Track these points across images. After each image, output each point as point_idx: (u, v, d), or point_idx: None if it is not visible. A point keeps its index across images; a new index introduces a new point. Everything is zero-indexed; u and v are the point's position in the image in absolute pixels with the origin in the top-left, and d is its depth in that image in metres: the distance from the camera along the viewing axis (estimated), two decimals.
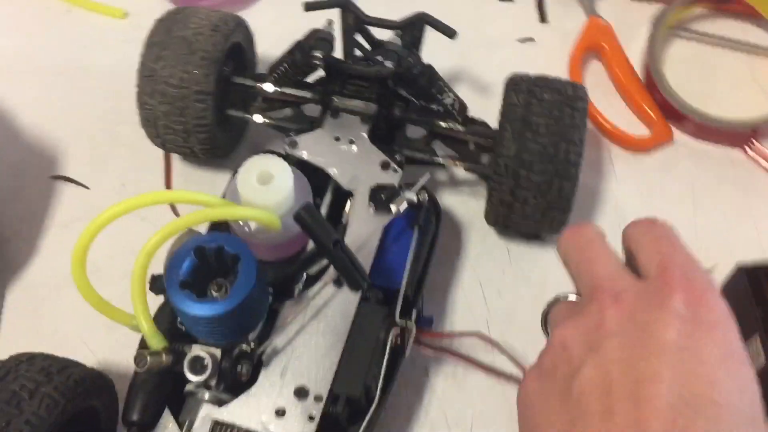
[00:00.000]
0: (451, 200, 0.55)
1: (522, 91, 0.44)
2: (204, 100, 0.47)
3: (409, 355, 0.42)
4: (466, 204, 0.55)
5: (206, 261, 0.37)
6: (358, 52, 0.50)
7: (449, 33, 0.48)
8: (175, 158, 0.57)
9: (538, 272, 0.52)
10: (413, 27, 0.49)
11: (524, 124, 0.43)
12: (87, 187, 0.56)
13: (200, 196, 0.39)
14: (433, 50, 0.52)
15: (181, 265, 0.36)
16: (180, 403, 0.40)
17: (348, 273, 0.36)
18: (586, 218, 0.54)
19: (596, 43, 0.61)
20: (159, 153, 0.55)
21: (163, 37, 0.48)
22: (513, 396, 0.29)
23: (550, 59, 0.62)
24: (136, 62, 0.49)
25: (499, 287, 0.52)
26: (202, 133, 0.49)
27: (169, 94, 0.47)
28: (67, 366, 0.40)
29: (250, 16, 0.55)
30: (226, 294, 0.36)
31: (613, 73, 0.59)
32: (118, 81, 0.53)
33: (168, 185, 0.55)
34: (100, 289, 0.37)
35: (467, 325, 0.48)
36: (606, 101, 0.59)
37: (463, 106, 0.48)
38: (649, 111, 0.57)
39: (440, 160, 0.48)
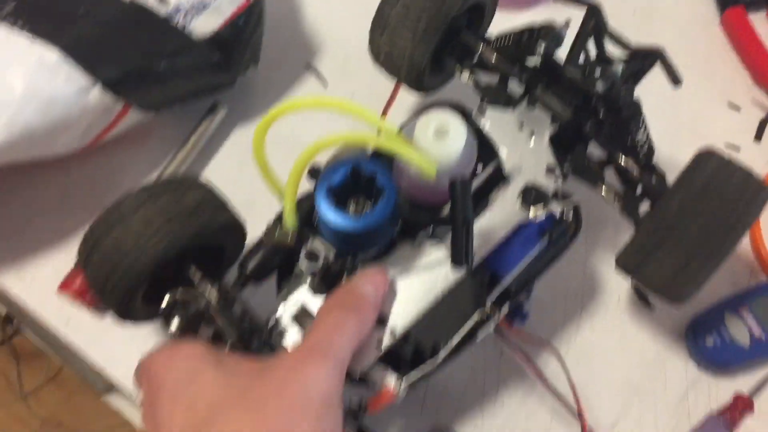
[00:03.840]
0: (595, 225, 0.56)
1: (705, 171, 0.44)
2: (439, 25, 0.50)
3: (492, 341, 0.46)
4: (611, 236, 0.56)
5: (358, 178, 0.42)
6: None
7: (676, 79, 0.47)
8: (402, 97, 0.62)
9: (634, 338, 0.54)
10: (645, 57, 0.49)
11: (692, 204, 0.43)
12: (325, 85, 0.65)
13: (382, 123, 0.43)
14: (649, 88, 0.52)
15: (336, 174, 0.41)
16: (288, 274, 0.46)
17: (457, 248, 0.39)
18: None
19: None
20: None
21: None
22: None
23: None
24: None
25: (594, 324, 0.55)
26: (418, 56, 0.51)
27: (411, 7, 0.50)
28: (225, 207, 0.47)
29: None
30: (360, 213, 0.41)
31: None
32: None
33: (385, 110, 0.61)
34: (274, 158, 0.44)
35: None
36: None
37: (650, 151, 0.48)
38: None
39: (602, 190, 0.49)
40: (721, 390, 0.54)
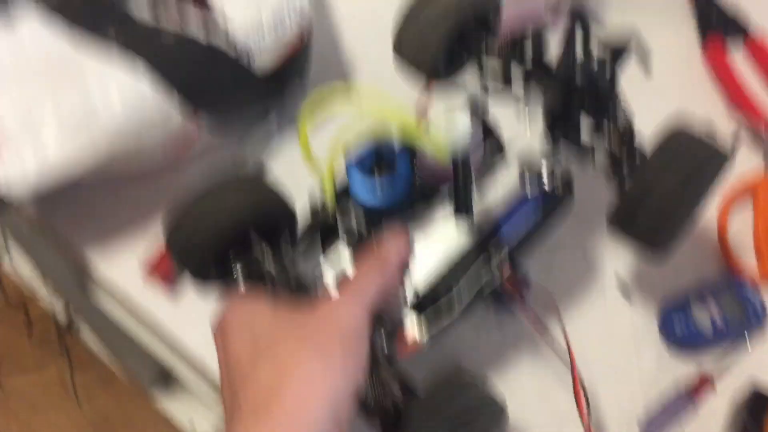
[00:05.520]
0: (588, 232, 0.67)
1: (671, 148, 0.52)
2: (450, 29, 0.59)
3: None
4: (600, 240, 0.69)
5: (381, 155, 0.54)
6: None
7: (646, 69, 0.56)
8: None
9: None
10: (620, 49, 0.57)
11: (660, 175, 0.51)
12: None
13: (405, 116, 0.53)
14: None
15: (362, 151, 0.53)
16: (330, 243, 0.56)
17: (458, 200, 0.52)
18: None
19: (755, 189, 0.71)
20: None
21: None
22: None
23: None
24: None
25: (582, 311, 0.66)
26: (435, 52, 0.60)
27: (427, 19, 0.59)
28: (275, 191, 0.58)
29: None
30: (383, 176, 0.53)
31: (757, 219, 0.70)
32: None
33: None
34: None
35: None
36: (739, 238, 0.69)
37: (632, 133, 0.57)
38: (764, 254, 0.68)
39: (593, 166, 0.57)
40: (687, 371, 0.64)
